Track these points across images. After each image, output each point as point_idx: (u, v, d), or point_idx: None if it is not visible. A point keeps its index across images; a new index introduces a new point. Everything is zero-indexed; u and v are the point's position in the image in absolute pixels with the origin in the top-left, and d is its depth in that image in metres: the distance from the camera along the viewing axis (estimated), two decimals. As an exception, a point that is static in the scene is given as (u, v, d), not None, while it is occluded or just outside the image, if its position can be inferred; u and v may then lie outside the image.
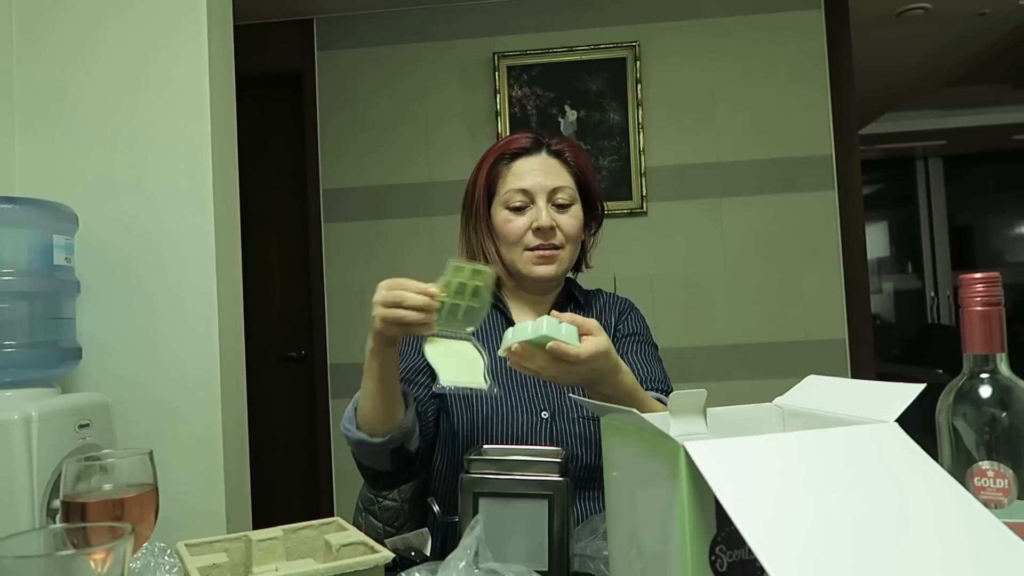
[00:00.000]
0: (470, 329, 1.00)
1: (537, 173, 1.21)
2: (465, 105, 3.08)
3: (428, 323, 0.96)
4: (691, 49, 3.01)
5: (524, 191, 1.20)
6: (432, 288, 0.96)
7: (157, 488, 0.75)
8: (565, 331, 0.93)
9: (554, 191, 1.20)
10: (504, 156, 1.25)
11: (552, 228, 1.19)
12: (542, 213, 1.18)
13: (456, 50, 3.10)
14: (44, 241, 1.50)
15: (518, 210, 1.21)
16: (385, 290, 0.96)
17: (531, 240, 1.20)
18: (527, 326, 0.93)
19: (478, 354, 1.04)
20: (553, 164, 1.23)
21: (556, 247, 1.20)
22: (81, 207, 1.62)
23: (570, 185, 1.22)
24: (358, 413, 1.09)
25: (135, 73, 1.73)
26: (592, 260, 1.35)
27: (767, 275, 2.94)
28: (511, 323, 1.24)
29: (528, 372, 0.95)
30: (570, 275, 1.35)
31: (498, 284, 1.28)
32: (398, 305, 0.95)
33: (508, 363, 0.96)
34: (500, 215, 1.22)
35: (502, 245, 1.23)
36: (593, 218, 1.30)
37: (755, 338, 2.92)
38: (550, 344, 0.91)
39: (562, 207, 1.21)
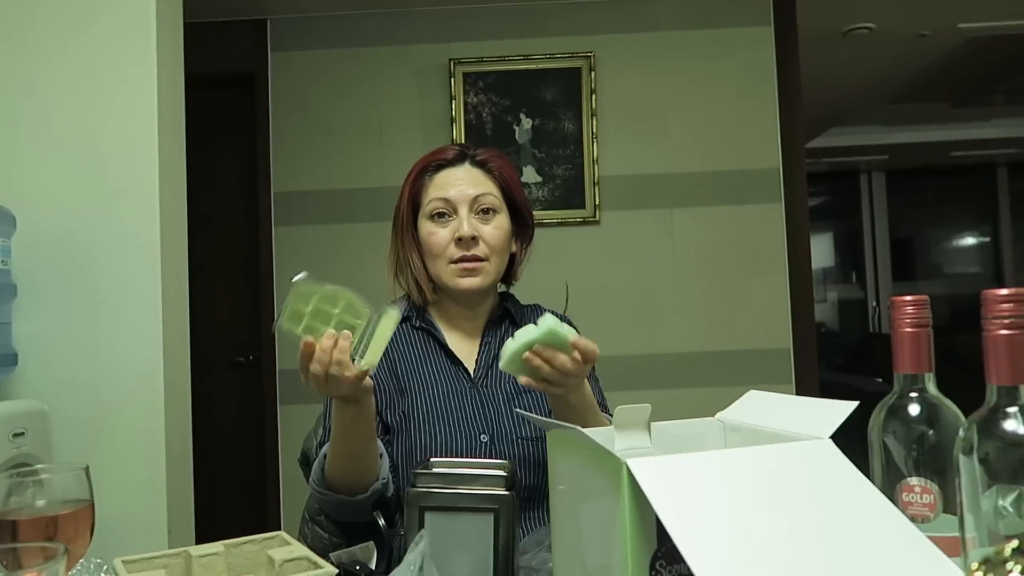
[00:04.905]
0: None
1: (459, 183, 1.20)
2: (420, 111, 3.08)
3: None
4: (645, 61, 3.05)
5: (446, 200, 1.19)
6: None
7: (93, 504, 0.73)
8: (566, 328, 0.95)
9: (476, 199, 1.19)
10: (428, 168, 1.24)
11: (474, 238, 1.18)
12: (463, 223, 1.18)
13: (412, 55, 3.09)
14: (-21, 243, 1.45)
15: (441, 220, 1.20)
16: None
17: (454, 252, 1.18)
18: (529, 329, 0.94)
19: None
20: (476, 174, 1.22)
21: (479, 259, 1.18)
22: (19, 208, 1.58)
23: (493, 193, 1.21)
24: (329, 475, 1.06)
25: (80, 71, 1.69)
26: (521, 274, 1.32)
27: (716, 285, 3.00)
28: (443, 345, 1.22)
29: (546, 377, 0.95)
30: (503, 289, 1.33)
31: (425, 305, 1.26)
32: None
33: (519, 378, 0.97)
34: (424, 227, 1.21)
35: (427, 258, 1.22)
36: (523, 230, 1.28)
37: (703, 347, 2.97)
38: (575, 340, 0.94)
39: (486, 215, 1.20)
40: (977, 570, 0.36)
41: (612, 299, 2.99)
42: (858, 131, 5.49)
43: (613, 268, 3.01)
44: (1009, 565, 0.35)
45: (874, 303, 6.27)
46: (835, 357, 6.12)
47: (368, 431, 1.03)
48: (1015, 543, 0.36)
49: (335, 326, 0.94)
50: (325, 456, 1.07)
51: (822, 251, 6.55)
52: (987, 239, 6.46)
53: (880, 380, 4.61)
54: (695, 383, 2.95)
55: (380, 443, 1.11)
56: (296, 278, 0.94)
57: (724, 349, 2.97)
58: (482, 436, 1.14)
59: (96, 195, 1.67)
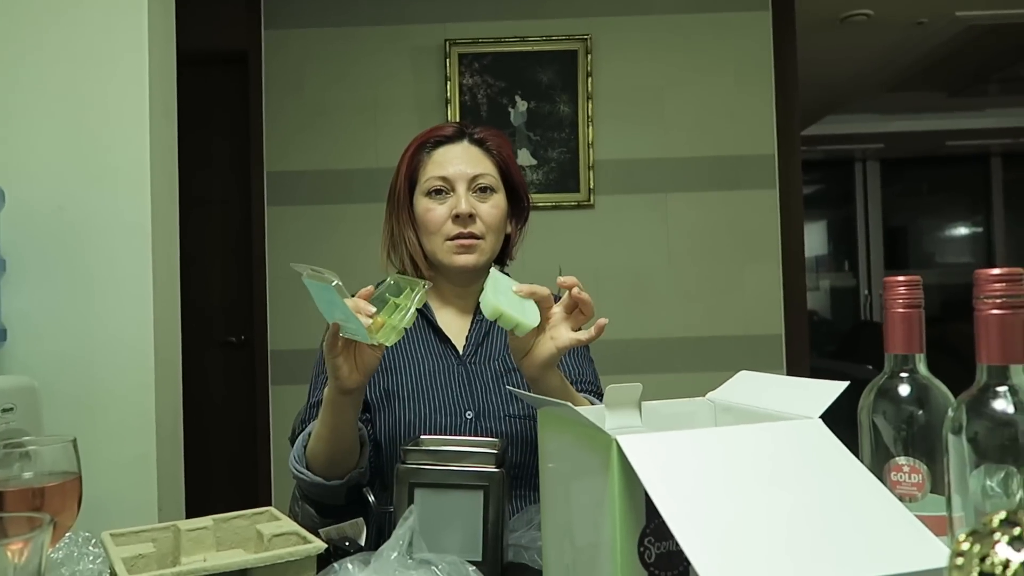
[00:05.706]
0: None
1: (458, 161, 1.20)
2: (415, 91, 3.05)
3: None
4: (642, 44, 3.03)
5: (444, 178, 1.19)
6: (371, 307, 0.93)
7: (81, 477, 0.72)
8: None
9: (474, 178, 1.20)
10: (426, 145, 1.24)
11: (471, 215, 1.18)
12: (461, 200, 1.18)
13: (407, 35, 3.06)
14: (-33, 217, 1.44)
15: (438, 196, 1.20)
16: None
17: (451, 229, 1.18)
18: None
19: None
20: (475, 152, 1.22)
21: (476, 236, 1.19)
22: (7, 183, 1.56)
23: (491, 173, 1.22)
24: (309, 455, 1.06)
25: (70, 46, 1.67)
26: (516, 253, 1.32)
27: (709, 270, 3.00)
28: (433, 325, 1.23)
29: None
30: (497, 267, 1.34)
31: None
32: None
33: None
34: (421, 204, 1.21)
35: (423, 235, 1.22)
36: (518, 210, 1.29)
37: (696, 332, 2.98)
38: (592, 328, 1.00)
39: (483, 194, 1.20)
40: (964, 541, 0.36)
41: (606, 283, 2.99)
42: (854, 119, 5.49)
43: (607, 252, 3.00)
44: (996, 535, 0.35)
45: (866, 291, 6.29)
46: (826, 344, 6.15)
47: (355, 420, 1.04)
48: (1003, 514, 0.36)
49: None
50: (310, 435, 1.07)
51: (815, 239, 6.56)
52: (980, 229, 6.48)
53: (871, 367, 4.64)
54: (687, 368, 2.95)
55: (365, 432, 1.11)
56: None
57: (716, 334, 2.97)
58: (467, 413, 1.14)
59: (86, 171, 1.65)
